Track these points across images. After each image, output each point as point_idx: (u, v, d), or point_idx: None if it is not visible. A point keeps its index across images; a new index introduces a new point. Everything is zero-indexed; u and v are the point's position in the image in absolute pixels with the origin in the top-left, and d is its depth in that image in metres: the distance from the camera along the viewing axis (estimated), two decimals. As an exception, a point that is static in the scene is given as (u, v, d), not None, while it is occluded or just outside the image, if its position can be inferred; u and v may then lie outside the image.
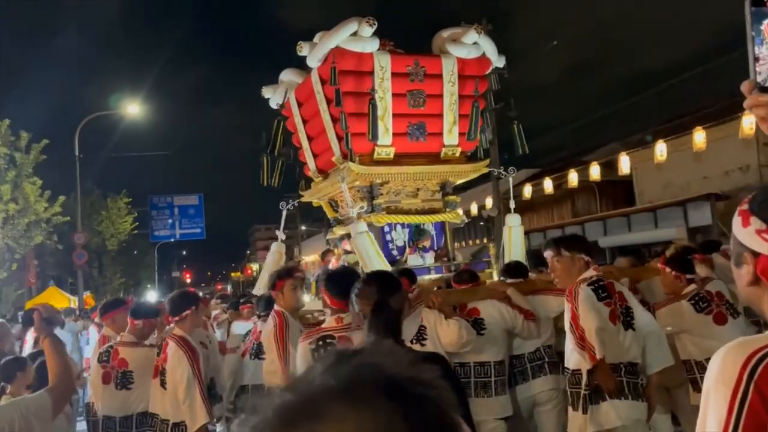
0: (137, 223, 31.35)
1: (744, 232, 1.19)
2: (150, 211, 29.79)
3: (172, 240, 32.06)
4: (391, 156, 6.28)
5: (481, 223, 27.26)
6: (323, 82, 6.16)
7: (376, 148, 6.17)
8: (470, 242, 28.10)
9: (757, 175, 16.37)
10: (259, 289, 6.42)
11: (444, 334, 3.89)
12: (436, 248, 6.64)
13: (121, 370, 4.11)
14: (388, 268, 5.35)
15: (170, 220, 29.84)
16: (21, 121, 17.69)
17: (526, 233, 24.86)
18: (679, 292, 4.17)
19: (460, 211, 7.01)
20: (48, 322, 2.92)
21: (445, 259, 6.56)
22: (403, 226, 6.58)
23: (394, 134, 6.23)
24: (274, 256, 6.59)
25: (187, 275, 72.85)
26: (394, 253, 6.50)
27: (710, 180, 17.31)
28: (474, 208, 21.67)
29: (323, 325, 3.19)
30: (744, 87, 1.08)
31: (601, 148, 22.75)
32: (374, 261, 5.50)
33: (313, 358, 2.82)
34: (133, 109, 20.80)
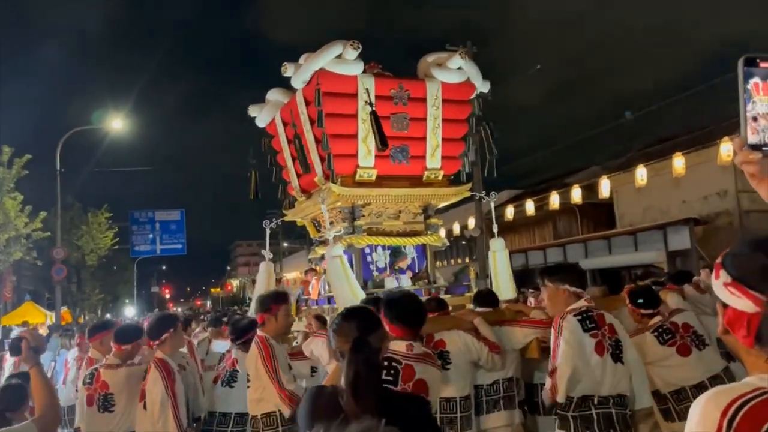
0: (118, 239, 31.02)
1: (716, 284, 1.25)
2: (131, 226, 29.46)
3: (153, 255, 31.70)
4: (374, 178, 6.34)
5: (464, 242, 27.40)
6: (307, 103, 6.23)
7: (358, 169, 6.22)
8: (452, 262, 28.21)
9: (735, 201, 16.69)
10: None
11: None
12: (416, 270, 6.66)
13: (102, 392, 4.10)
14: (357, 294, 5.39)
15: (151, 236, 29.52)
16: (2, 135, 17.52)
17: (510, 253, 25.07)
18: (645, 324, 4.25)
19: (443, 234, 7.05)
20: (35, 351, 2.90)
21: (426, 281, 6.57)
22: (384, 247, 6.61)
23: (376, 156, 6.29)
24: (264, 276, 6.57)
25: (166, 290, 72.07)
26: (375, 274, 6.54)
27: (689, 204, 17.61)
28: (456, 228, 21.79)
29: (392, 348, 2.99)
30: (735, 144, 1.12)
31: (583, 170, 23.07)
32: (344, 286, 5.48)
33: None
34: (116, 124, 20.70)
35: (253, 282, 7.93)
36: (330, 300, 6.22)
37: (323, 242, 6.87)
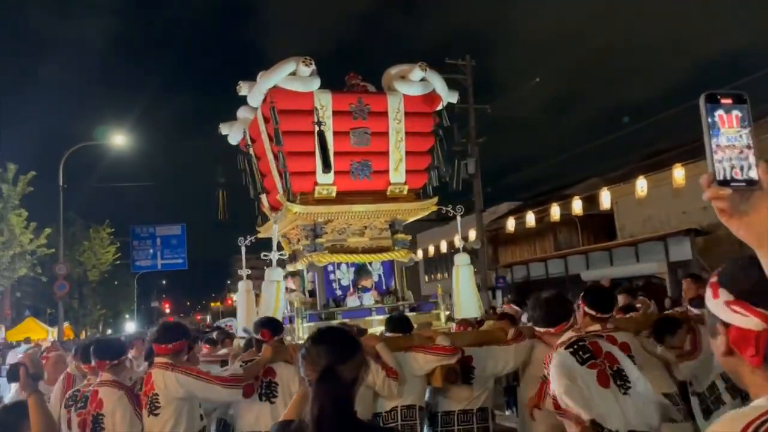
0: (119, 254, 31.05)
1: (714, 303, 1.23)
2: (132, 241, 29.47)
3: (154, 270, 31.69)
4: (333, 194, 6.20)
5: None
6: (266, 121, 6.18)
7: (316, 186, 6.12)
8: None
9: (735, 211, 16.73)
10: (244, 324, 6.34)
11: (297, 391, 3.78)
12: (384, 289, 6.51)
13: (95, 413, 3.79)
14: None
15: (152, 250, 29.50)
16: (6, 152, 17.63)
17: (509, 266, 25.19)
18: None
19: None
20: (34, 378, 2.83)
21: (394, 299, 6.39)
22: (348, 265, 6.43)
23: (336, 172, 6.12)
24: (244, 295, 6.45)
25: (166, 305, 71.85)
26: (338, 293, 6.39)
27: (689, 215, 17.68)
28: (457, 240, 21.87)
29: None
30: (703, 180, 1.10)
31: (583, 182, 23.17)
32: (269, 311, 5.45)
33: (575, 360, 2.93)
34: (118, 140, 20.80)
35: (256, 296, 7.84)
36: (291, 319, 6.05)
37: (294, 258, 6.78)
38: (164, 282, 67.09)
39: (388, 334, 4.51)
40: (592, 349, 2.99)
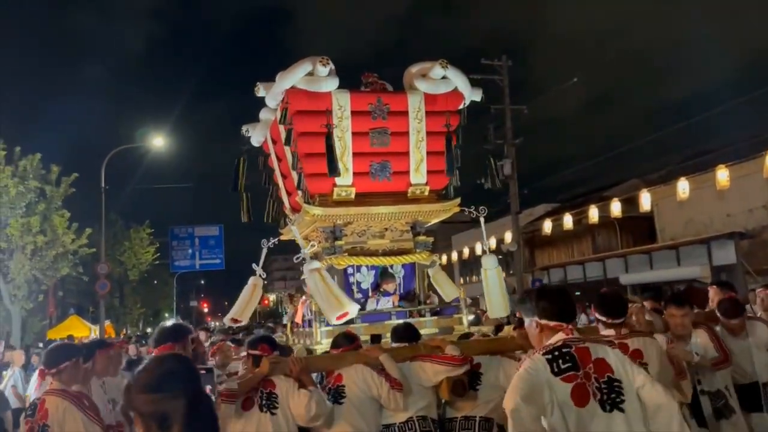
0: (158, 254, 31.68)
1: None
2: (171, 241, 30.07)
3: (192, 270, 32.26)
4: (352, 196, 6.07)
5: (500, 257, 27.15)
6: (280, 122, 6.10)
7: (335, 188, 5.99)
8: (489, 276, 27.94)
9: (782, 214, 16.24)
10: (235, 313, 6.24)
11: (294, 405, 3.73)
12: (403, 292, 6.38)
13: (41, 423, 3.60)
14: (345, 303, 5.26)
15: (190, 251, 30.06)
16: (50, 154, 18.13)
17: (546, 269, 24.85)
18: None
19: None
20: None
21: (416, 302, 6.30)
22: (369, 268, 6.30)
23: (355, 174, 6.01)
24: (249, 290, 6.30)
25: (205, 305, 73.03)
26: (358, 296, 6.25)
27: (733, 218, 17.16)
28: (493, 242, 21.65)
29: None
30: None
31: (622, 183, 22.71)
32: (329, 298, 5.32)
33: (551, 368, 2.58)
34: (157, 141, 21.22)
35: (290, 297, 7.75)
36: (310, 323, 5.97)
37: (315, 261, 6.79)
38: (202, 282, 68.21)
39: (393, 345, 4.42)
40: (578, 356, 2.58)
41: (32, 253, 16.95)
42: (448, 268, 26.11)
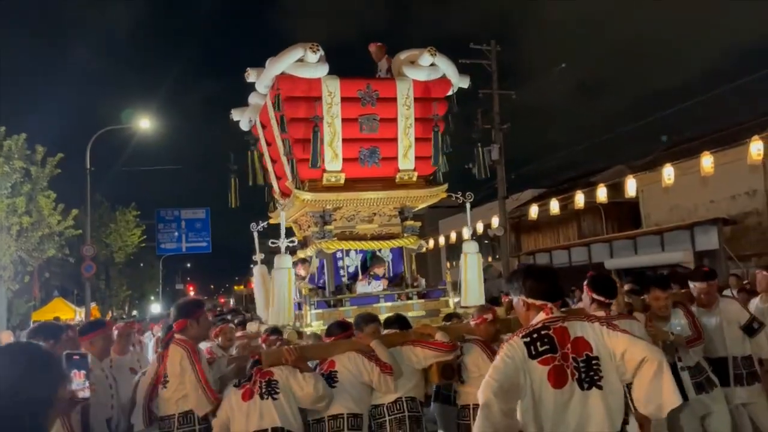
0: (145, 236, 31.51)
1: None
2: (157, 224, 29.90)
3: (179, 253, 32.15)
4: (342, 181, 6.16)
5: (486, 242, 27.33)
6: (274, 108, 6.15)
7: (325, 174, 6.07)
8: (475, 261, 28.11)
9: (765, 200, 16.46)
10: (264, 314, 6.26)
11: (299, 387, 3.84)
12: (391, 275, 6.49)
13: None
14: (287, 312, 5.46)
15: (177, 234, 29.91)
16: (35, 135, 17.93)
17: (531, 253, 25.04)
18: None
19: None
20: None
21: (404, 286, 6.41)
22: (357, 252, 6.41)
23: (344, 160, 6.09)
24: (260, 280, 6.39)
25: (191, 288, 72.76)
26: (345, 279, 6.38)
27: (717, 204, 17.39)
28: (480, 227, 21.77)
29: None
30: None
31: (608, 169, 22.88)
32: (268, 300, 5.54)
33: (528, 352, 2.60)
34: (144, 123, 21.01)
35: None
36: (300, 306, 6.07)
37: (305, 244, 6.77)
38: (189, 265, 67.99)
39: (385, 332, 4.51)
40: (556, 337, 2.60)
41: (18, 234, 16.80)
42: (435, 252, 26.24)
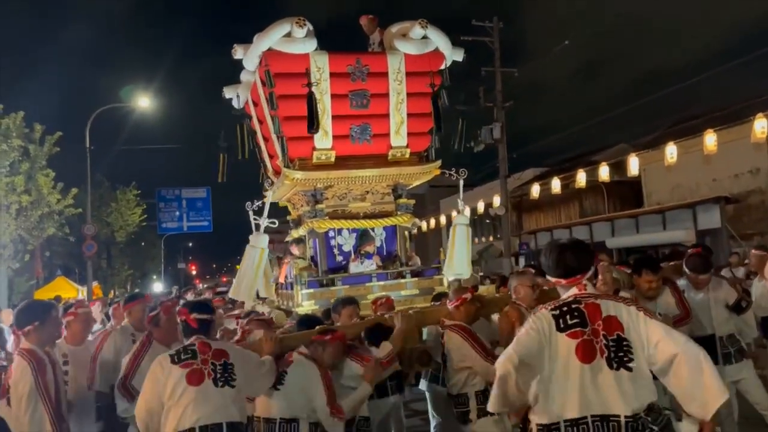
0: (146, 215, 31.50)
1: None
2: (158, 203, 29.86)
3: (180, 232, 32.17)
4: (332, 159, 6.03)
5: (488, 221, 27.29)
6: (263, 85, 6.03)
7: (315, 152, 5.95)
8: (475, 240, 28.15)
9: (767, 179, 16.37)
10: (263, 293, 6.28)
11: (252, 374, 3.45)
12: (384, 254, 6.42)
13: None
14: (251, 290, 5.40)
15: (178, 213, 29.88)
16: (34, 113, 17.84)
17: (533, 232, 25.02)
18: None
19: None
20: None
21: (398, 264, 6.34)
22: (350, 231, 6.31)
23: (334, 137, 5.96)
24: (256, 262, 6.04)
25: (193, 267, 73.02)
26: (339, 259, 6.29)
27: (720, 183, 17.30)
28: (481, 206, 21.71)
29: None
30: None
31: (610, 148, 22.75)
32: (249, 277, 5.45)
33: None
34: (143, 101, 20.87)
35: (278, 259, 7.71)
36: (292, 285, 5.99)
37: (299, 223, 6.69)
38: (190, 244, 68.03)
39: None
40: (587, 312, 2.56)
41: (17, 213, 16.77)
42: (436, 231, 26.23)
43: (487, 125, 19.41)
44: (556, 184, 18.01)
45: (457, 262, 6.29)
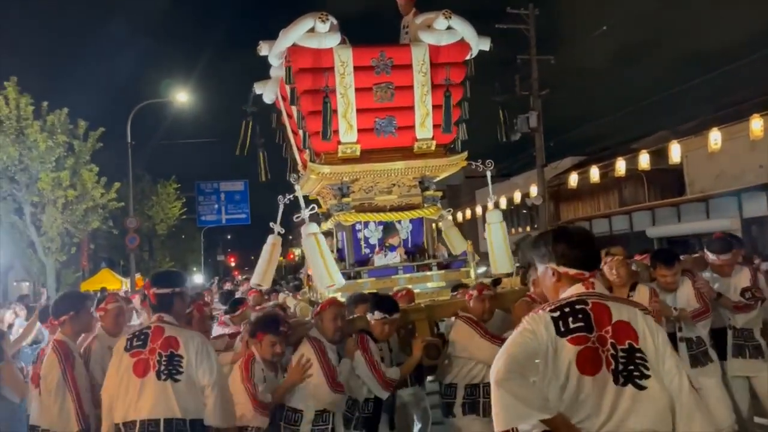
0: (185, 209, 32.11)
1: None
2: (197, 196, 30.46)
3: (219, 225, 32.73)
4: (358, 153, 6.04)
5: (524, 211, 27.03)
6: (285, 81, 6.06)
7: (340, 146, 5.96)
8: (512, 231, 27.85)
9: (817, 164, 15.82)
10: (258, 278, 6.34)
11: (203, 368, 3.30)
12: (409, 246, 6.41)
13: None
14: (333, 274, 5.35)
15: (217, 206, 30.45)
16: (77, 109, 18.31)
17: (572, 222, 24.67)
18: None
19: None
20: None
21: (425, 257, 6.33)
22: (377, 224, 6.34)
23: (359, 130, 5.97)
24: (269, 249, 6.22)
25: (231, 259, 74.13)
26: (366, 251, 6.31)
27: (766, 169, 16.77)
28: (518, 196, 21.52)
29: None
30: None
31: (651, 135, 22.26)
32: (319, 264, 5.45)
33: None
34: (182, 96, 21.26)
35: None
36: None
37: (328, 217, 6.71)
38: (229, 237, 69.15)
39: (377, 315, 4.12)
40: (593, 315, 2.11)
41: (63, 207, 17.26)
42: (472, 222, 26.09)
43: (524, 114, 19.18)
44: (594, 173, 17.74)
45: (499, 259, 6.27)
